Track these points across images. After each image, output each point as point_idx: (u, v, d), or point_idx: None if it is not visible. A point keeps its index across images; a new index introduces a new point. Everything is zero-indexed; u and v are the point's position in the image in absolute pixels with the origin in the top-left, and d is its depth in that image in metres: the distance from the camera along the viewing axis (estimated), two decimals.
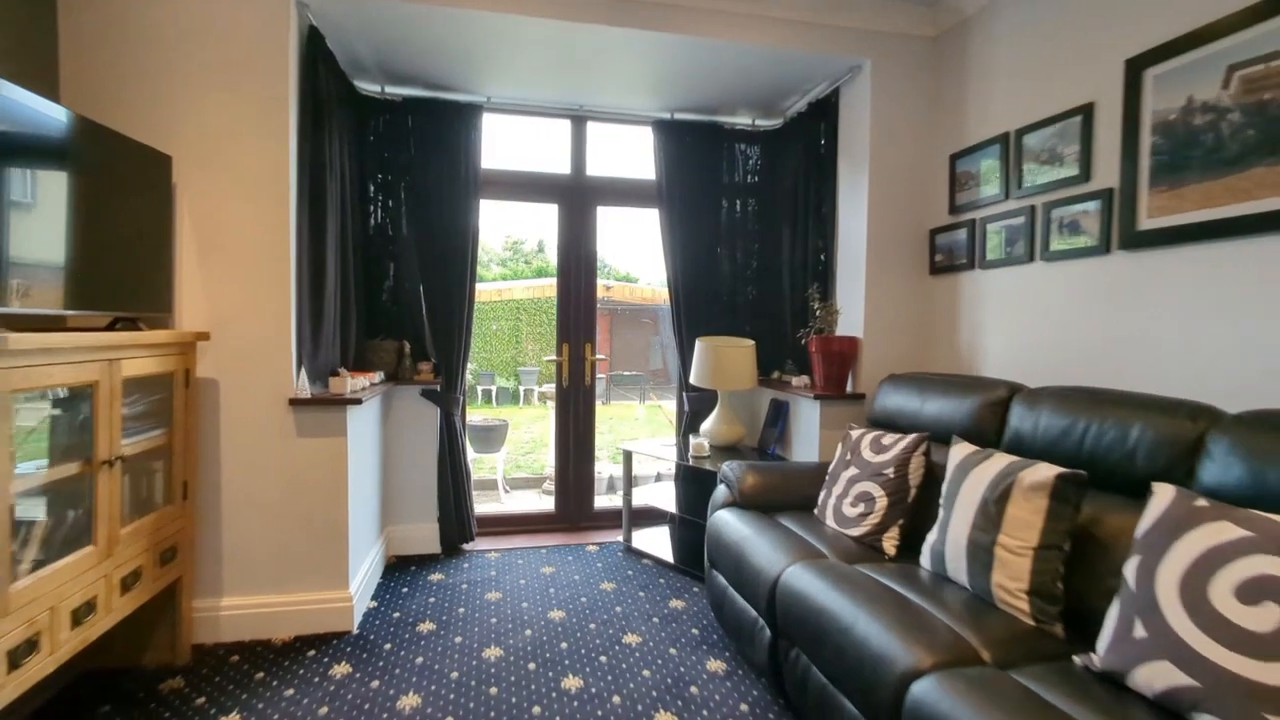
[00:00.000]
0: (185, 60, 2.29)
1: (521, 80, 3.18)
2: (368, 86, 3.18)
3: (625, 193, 3.74)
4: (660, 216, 3.54)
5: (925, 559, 1.92)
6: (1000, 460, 1.79)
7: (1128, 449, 1.67)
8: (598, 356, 3.80)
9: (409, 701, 2.03)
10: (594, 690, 2.10)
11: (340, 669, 2.22)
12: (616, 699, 2.06)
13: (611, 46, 2.81)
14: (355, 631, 2.48)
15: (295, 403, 2.40)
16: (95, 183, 1.90)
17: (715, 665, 2.26)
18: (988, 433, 2.14)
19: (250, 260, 2.36)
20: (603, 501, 3.98)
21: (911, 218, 2.99)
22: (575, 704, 2.03)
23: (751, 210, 3.71)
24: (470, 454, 4.46)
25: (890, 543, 2.10)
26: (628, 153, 3.83)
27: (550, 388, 3.98)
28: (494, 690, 2.10)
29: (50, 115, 1.74)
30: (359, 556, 2.68)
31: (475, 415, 7.55)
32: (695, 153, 3.55)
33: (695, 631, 2.51)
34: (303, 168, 2.48)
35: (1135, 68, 2.00)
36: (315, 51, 2.53)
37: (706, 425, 3.37)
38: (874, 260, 2.96)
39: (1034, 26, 2.43)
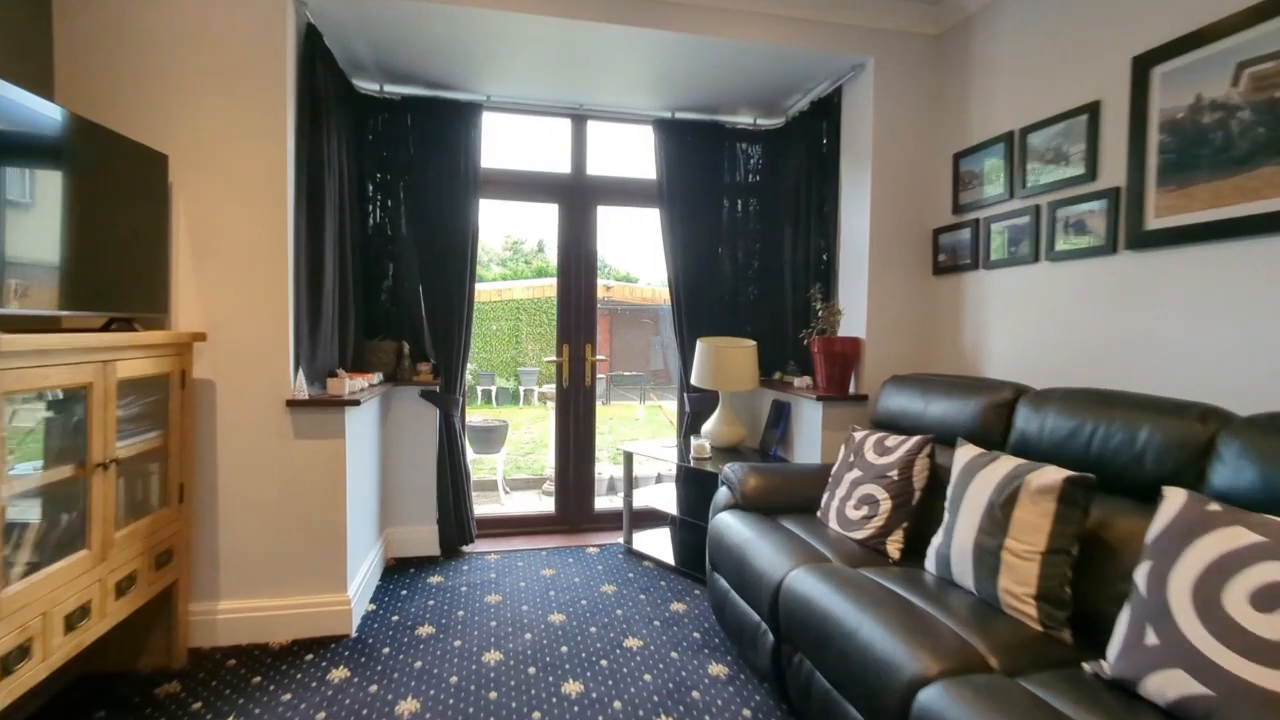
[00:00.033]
0: (181, 62, 2.26)
1: (521, 79, 3.16)
2: (366, 85, 3.16)
3: (626, 192, 3.71)
4: (661, 216, 3.52)
5: (930, 563, 1.89)
6: (1006, 463, 1.77)
7: (1136, 451, 1.64)
8: (598, 357, 3.78)
9: (408, 706, 2.01)
10: (595, 695, 2.08)
11: (338, 673, 2.20)
12: (617, 704, 2.03)
13: (612, 44, 2.79)
14: (353, 635, 2.46)
15: (293, 404, 2.37)
16: (90, 182, 1.87)
17: (717, 669, 2.24)
18: (993, 435, 2.12)
19: (247, 260, 2.34)
20: (603, 503, 3.96)
21: (914, 217, 2.97)
22: (576, 709, 2.00)
23: (753, 210, 3.69)
24: (470, 455, 4.44)
25: (894, 546, 2.08)
26: (628, 152, 3.80)
27: (550, 388, 3.96)
28: (494, 695, 2.07)
29: (45, 114, 1.72)
30: (357, 559, 2.66)
31: (475, 416, 7.53)
32: (696, 152, 3.53)
33: (697, 635, 2.49)
34: (300, 167, 2.46)
35: (1142, 65, 1.98)
36: (313, 50, 2.51)
37: (708, 426, 3.35)
38: (877, 260, 2.94)
39: (1038, 24, 2.41)
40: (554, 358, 3.72)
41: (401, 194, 3.28)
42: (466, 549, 3.40)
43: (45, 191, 1.73)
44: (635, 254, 14.87)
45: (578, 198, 3.64)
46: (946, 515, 1.88)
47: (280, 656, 2.29)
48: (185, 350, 2.19)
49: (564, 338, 3.70)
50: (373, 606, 2.71)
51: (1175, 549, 1.28)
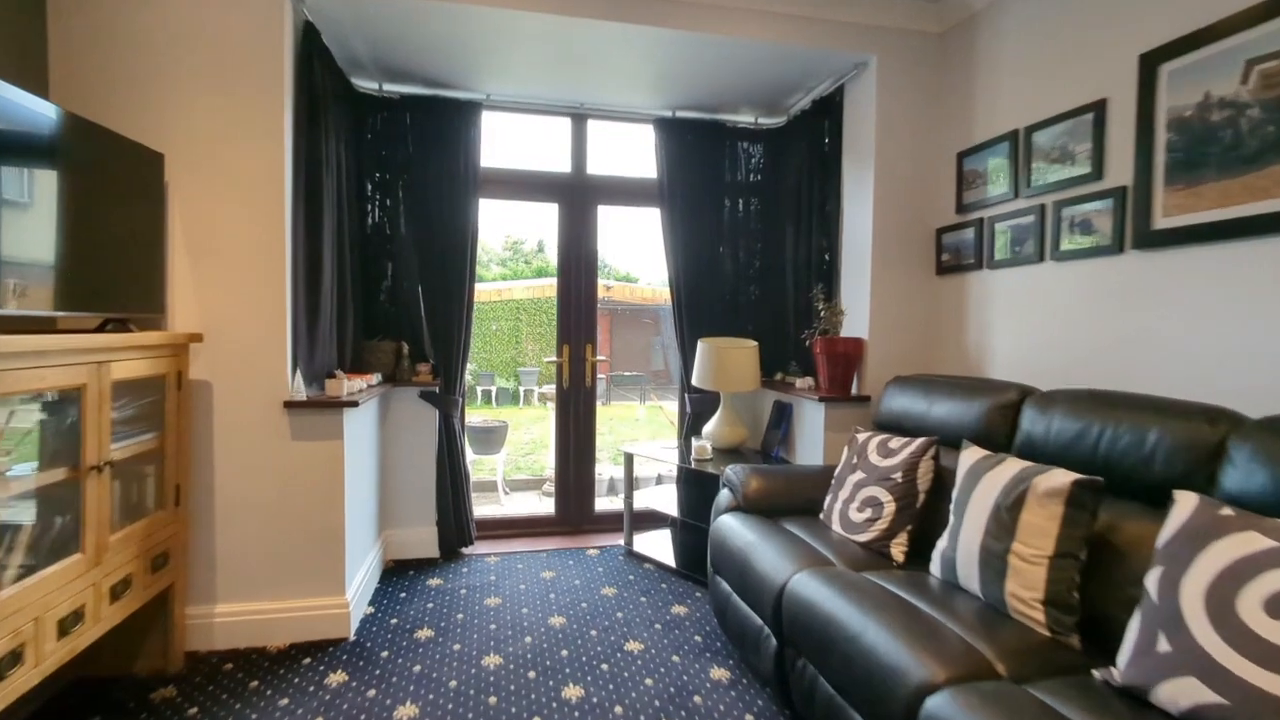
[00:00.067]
0: (177, 60, 2.24)
1: (521, 77, 3.13)
2: (365, 84, 3.13)
3: (626, 191, 3.69)
4: (662, 215, 3.50)
5: (935, 566, 1.87)
6: (1013, 465, 1.74)
7: (1144, 454, 1.62)
8: (598, 358, 3.76)
9: (406, 711, 1.99)
10: (595, 700, 2.05)
11: (336, 677, 2.17)
12: (619, 709, 2.01)
13: (612, 42, 2.77)
14: (352, 638, 2.43)
15: (290, 405, 2.35)
16: (86, 181, 1.85)
17: (719, 673, 2.22)
18: (998, 436, 2.09)
19: (244, 260, 2.31)
20: (603, 504, 3.93)
21: (917, 217, 2.94)
22: (576, 714, 1.98)
23: (754, 209, 3.67)
24: (469, 456, 4.42)
25: (898, 549, 2.05)
26: (629, 151, 3.78)
27: (550, 388, 3.94)
28: (493, 700, 2.05)
29: (40, 112, 1.70)
30: (356, 561, 2.63)
31: (475, 416, 7.50)
32: (697, 151, 3.51)
33: (698, 638, 2.47)
34: (298, 166, 2.43)
35: (1149, 63, 1.96)
36: (310, 48, 2.49)
37: (709, 427, 3.33)
38: (879, 260, 2.91)
39: (1043, 22, 2.39)
40: (554, 358, 3.70)
41: (400, 193, 3.25)
42: (466, 551, 3.38)
43: (40, 191, 1.71)
44: (635, 254, 14.86)
45: (578, 197, 3.62)
46: (952, 518, 1.85)
47: (278, 660, 2.27)
48: (181, 351, 2.17)
49: (564, 338, 3.68)
50: (371, 609, 2.69)
51: (1187, 554, 1.26)
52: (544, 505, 5.14)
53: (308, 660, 2.28)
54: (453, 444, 3.26)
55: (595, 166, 3.62)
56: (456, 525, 3.30)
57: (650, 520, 3.71)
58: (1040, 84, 2.39)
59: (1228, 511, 1.27)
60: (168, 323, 2.25)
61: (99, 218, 1.90)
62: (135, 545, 1.93)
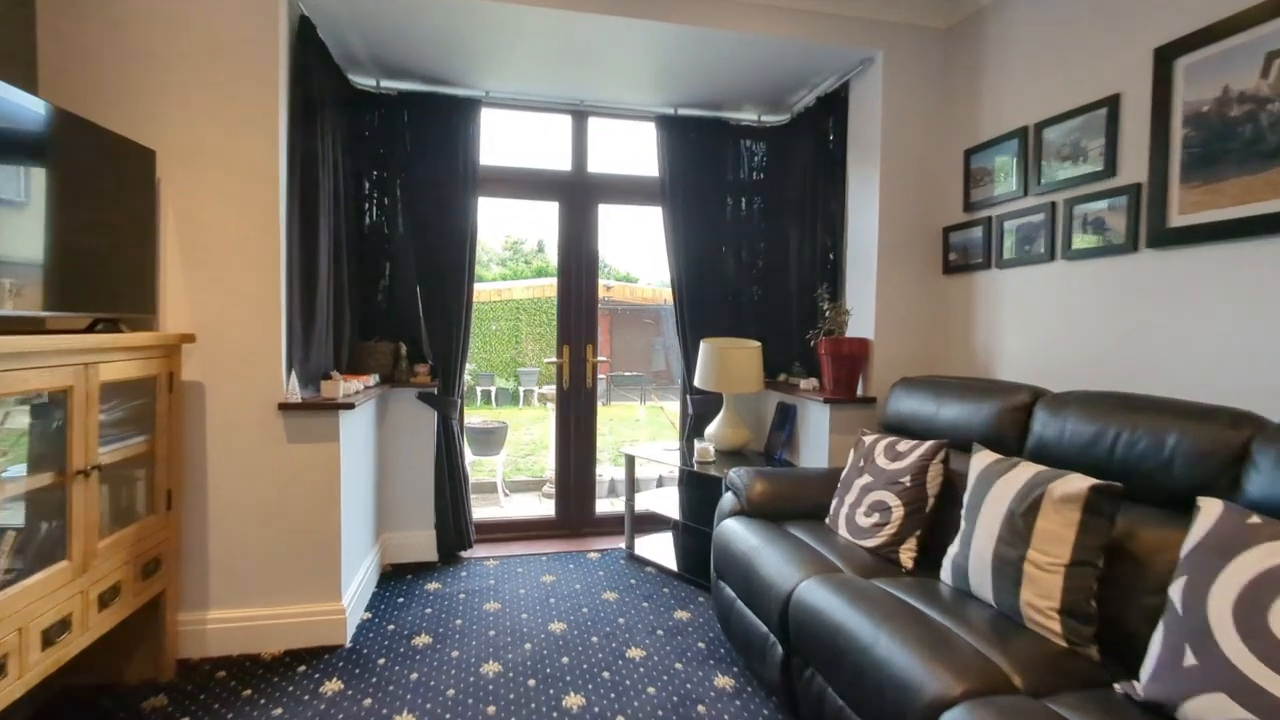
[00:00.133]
0: (169, 55, 2.19)
1: (521, 74, 3.09)
2: (363, 81, 3.08)
3: (627, 190, 3.64)
4: (663, 214, 3.45)
5: (946, 573, 1.82)
6: (1026, 469, 1.69)
7: (1163, 458, 1.57)
8: (599, 358, 3.71)
9: None
10: (596, 710, 2.00)
11: (331, 685, 2.12)
12: (621, 719, 1.96)
13: (614, 37, 2.72)
14: (348, 645, 2.38)
15: (285, 407, 2.30)
16: (75, 178, 1.80)
17: (723, 681, 2.17)
18: (1009, 439, 2.04)
19: (238, 259, 2.26)
20: (604, 506, 3.88)
21: (924, 215, 2.90)
22: None
23: (757, 208, 3.62)
24: (469, 457, 4.37)
25: (908, 555, 2.00)
26: (630, 149, 3.73)
27: (550, 388, 3.89)
28: (492, 710, 2.00)
29: (27, 107, 1.65)
30: (352, 566, 2.59)
31: (474, 417, 7.45)
32: (699, 149, 3.46)
33: (701, 645, 2.42)
34: (293, 163, 2.38)
35: (1165, 57, 1.91)
36: (306, 43, 2.44)
37: (711, 429, 3.28)
38: (885, 259, 2.87)
39: (1053, 15, 2.34)
40: (554, 359, 3.65)
41: (398, 192, 3.20)
42: (465, 554, 3.33)
43: (29, 188, 1.66)
44: (635, 254, 14.80)
45: (578, 196, 3.57)
46: (963, 524, 1.80)
47: (272, 668, 2.22)
48: (173, 352, 2.12)
49: (564, 338, 3.63)
50: (368, 615, 2.64)
51: (1214, 564, 1.21)
52: (544, 507, 5.09)
53: (303, 668, 2.23)
54: (451, 446, 3.21)
55: (596, 165, 3.57)
56: (455, 528, 3.25)
57: (651, 523, 3.66)
58: (1050, 79, 2.34)
59: (1256, 520, 1.22)
60: (159, 323, 2.20)
61: (88, 216, 1.85)
62: (125, 551, 1.88)
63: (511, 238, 15.93)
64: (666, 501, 3.44)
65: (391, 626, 2.54)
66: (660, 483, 5.34)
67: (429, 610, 2.69)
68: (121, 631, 2.01)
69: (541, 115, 3.47)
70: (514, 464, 6.88)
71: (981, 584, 1.67)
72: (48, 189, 1.71)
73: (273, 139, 2.28)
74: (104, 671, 2.09)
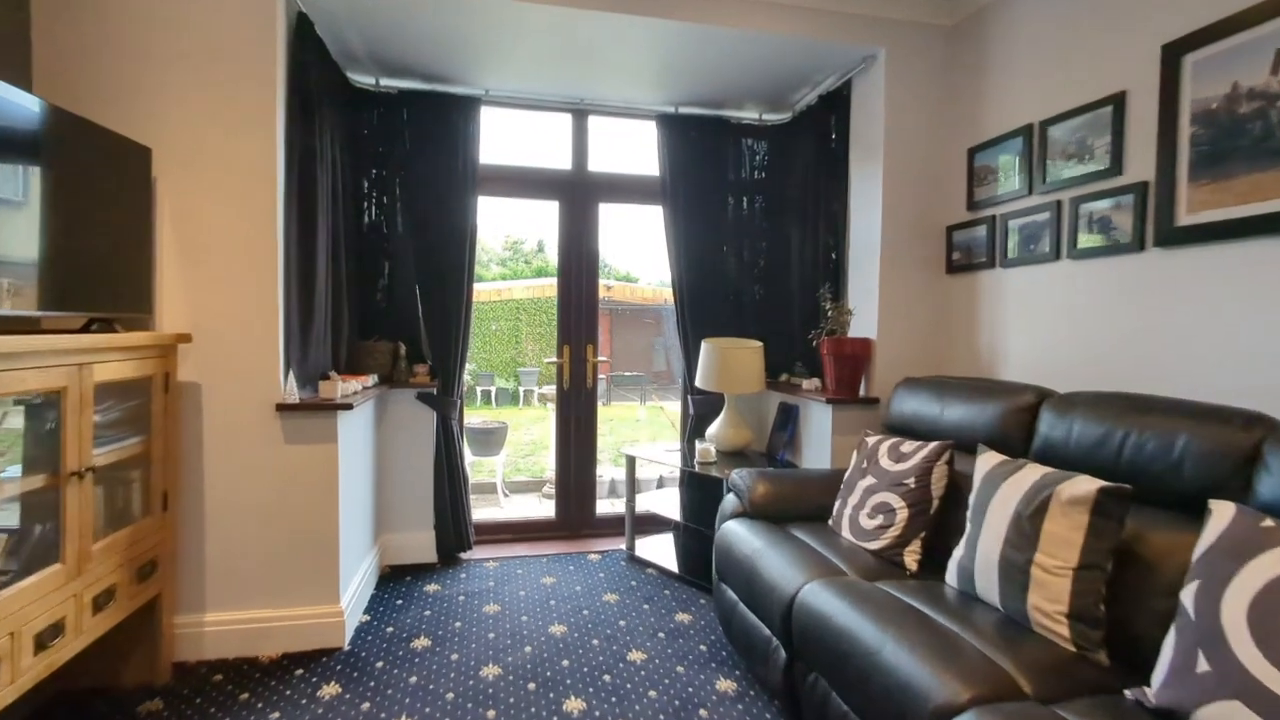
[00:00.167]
0: (165, 52, 2.17)
1: (521, 72, 3.06)
2: (362, 79, 3.06)
3: (628, 189, 3.62)
4: (664, 214, 3.43)
5: (951, 576, 1.80)
6: (1033, 471, 1.67)
7: (1173, 460, 1.55)
8: (599, 358, 3.68)
9: None
10: (598, 714, 1.98)
11: (329, 689, 2.10)
12: None
13: (615, 35, 2.69)
14: (346, 648, 2.36)
15: (283, 408, 2.28)
16: (70, 176, 1.78)
17: (725, 685, 2.15)
18: (1014, 441, 2.02)
19: (235, 258, 2.24)
20: (604, 507, 3.86)
21: (927, 214, 2.87)
22: None
23: (759, 207, 3.59)
24: (469, 457, 4.35)
25: (912, 557, 1.98)
26: (630, 148, 3.71)
27: (550, 389, 3.87)
28: (491, 714, 1.98)
29: (22, 105, 1.63)
30: (351, 568, 2.56)
31: (474, 417, 7.43)
32: (700, 148, 3.43)
33: (703, 648, 2.39)
34: (291, 161, 2.36)
35: (1173, 53, 1.89)
36: (304, 39, 2.41)
37: (712, 430, 3.26)
38: (888, 259, 2.84)
39: (1058, 12, 2.32)
40: (554, 359, 3.63)
41: (398, 191, 3.18)
42: (464, 556, 3.31)
43: (22, 187, 1.64)
44: (635, 253, 14.77)
45: (579, 194, 3.54)
46: (969, 526, 1.78)
47: (269, 671, 2.20)
48: (169, 352, 2.10)
49: (564, 338, 3.60)
50: (367, 617, 2.61)
51: (1227, 568, 1.19)
52: (544, 508, 5.07)
53: (300, 671, 2.20)
54: (451, 446, 3.19)
55: (596, 164, 3.55)
56: (455, 529, 3.23)
57: (652, 524, 3.64)
58: (1055, 77, 2.32)
59: (1269, 523, 1.20)
60: (155, 323, 2.18)
61: (84, 214, 1.83)
62: (120, 554, 1.86)
63: (511, 237, 15.91)
64: (667, 502, 3.42)
65: (390, 629, 2.52)
66: (660, 483, 5.32)
67: (428, 612, 2.67)
68: (117, 635, 1.98)
69: (542, 114, 3.45)
70: (514, 464, 6.86)
71: (988, 587, 1.64)
72: (42, 187, 1.69)
73: (270, 137, 2.25)
74: (99, 675, 2.07)
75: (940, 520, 2.03)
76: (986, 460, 1.85)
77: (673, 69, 3.02)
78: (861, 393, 2.93)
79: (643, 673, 2.22)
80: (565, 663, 2.28)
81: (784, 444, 3.22)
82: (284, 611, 2.32)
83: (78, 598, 1.67)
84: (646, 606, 2.74)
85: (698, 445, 3.11)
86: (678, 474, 3.65)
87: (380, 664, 2.26)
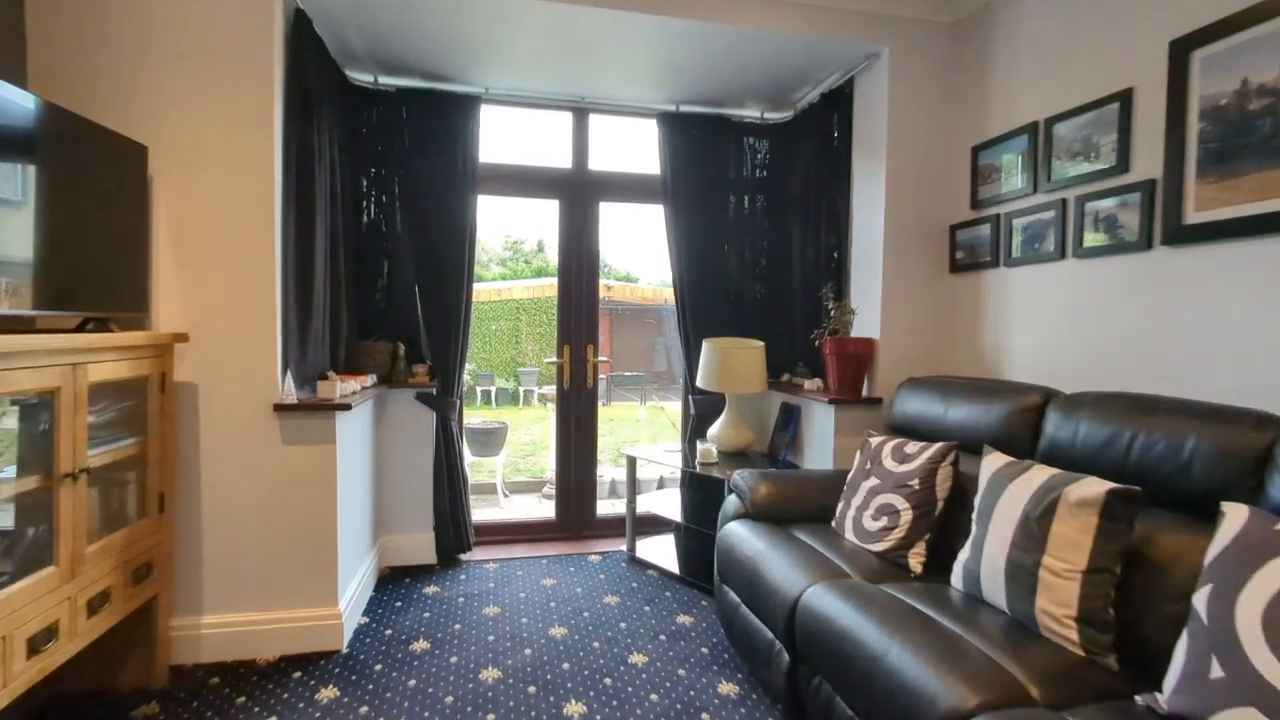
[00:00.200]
0: (161, 50, 2.14)
1: (521, 70, 3.04)
2: (360, 77, 3.04)
3: (629, 188, 3.59)
4: (665, 213, 3.40)
5: (957, 579, 1.78)
6: (1040, 473, 1.65)
7: (1182, 461, 1.52)
8: (599, 358, 3.66)
9: None
10: (598, 718, 1.96)
11: (327, 692, 2.08)
12: None
13: (615, 32, 2.67)
14: (345, 651, 2.34)
15: (280, 408, 2.26)
16: (65, 174, 1.76)
17: (727, 688, 2.12)
18: (1020, 441, 2.00)
19: (232, 257, 2.22)
20: (604, 507, 3.84)
21: (930, 213, 2.85)
22: None
23: (760, 206, 3.57)
24: (468, 458, 4.33)
25: (916, 559, 1.96)
26: (631, 146, 3.69)
27: (551, 389, 3.85)
28: (491, 718, 1.95)
29: (17, 102, 1.61)
30: (349, 570, 2.54)
31: (474, 417, 7.41)
32: (701, 146, 3.41)
33: (705, 650, 2.37)
34: (289, 159, 2.34)
35: (1181, 50, 1.86)
36: (302, 37, 2.39)
37: (714, 430, 3.23)
38: (891, 258, 2.82)
39: (1063, 8, 2.29)
40: (554, 359, 3.61)
41: (397, 189, 3.16)
42: (464, 557, 3.29)
43: (17, 185, 1.62)
44: (635, 253, 14.74)
45: (579, 193, 3.52)
46: (974, 528, 1.76)
47: (267, 674, 2.18)
48: (165, 352, 2.08)
49: (565, 338, 3.58)
50: (365, 619, 2.59)
51: (1241, 572, 1.16)
52: (544, 508, 5.05)
53: (298, 674, 2.18)
54: (450, 447, 3.17)
55: (597, 162, 3.53)
56: (454, 531, 3.20)
57: (653, 525, 3.62)
58: (1061, 74, 2.30)
59: None
60: (151, 322, 2.15)
61: (79, 212, 1.81)
62: (115, 556, 1.84)
63: (511, 237, 15.87)
64: (668, 503, 3.40)
65: (389, 631, 2.49)
66: (661, 484, 5.30)
67: (427, 614, 2.64)
68: (112, 637, 1.96)
69: (542, 112, 3.43)
70: (514, 464, 6.84)
71: (994, 590, 1.62)
72: (37, 185, 1.67)
73: (268, 135, 2.23)
74: (95, 678, 2.04)
75: (945, 522, 2.01)
76: (992, 461, 1.83)
77: (674, 67, 3.00)
78: (864, 393, 2.91)
79: (644, 676, 2.20)
80: (566, 665, 2.25)
81: (786, 444, 3.20)
82: (282, 614, 2.30)
83: (72, 601, 1.65)
84: (648, 608, 2.72)
85: (699, 446, 3.09)
86: (678, 475, 3.63)
87: (379, 667, 2.24)
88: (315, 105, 2.44)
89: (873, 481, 2.17)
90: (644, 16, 2.54)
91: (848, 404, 2.83)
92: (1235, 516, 1.24)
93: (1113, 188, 2.08)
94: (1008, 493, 1.67)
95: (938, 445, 2.08)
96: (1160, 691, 1.23)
